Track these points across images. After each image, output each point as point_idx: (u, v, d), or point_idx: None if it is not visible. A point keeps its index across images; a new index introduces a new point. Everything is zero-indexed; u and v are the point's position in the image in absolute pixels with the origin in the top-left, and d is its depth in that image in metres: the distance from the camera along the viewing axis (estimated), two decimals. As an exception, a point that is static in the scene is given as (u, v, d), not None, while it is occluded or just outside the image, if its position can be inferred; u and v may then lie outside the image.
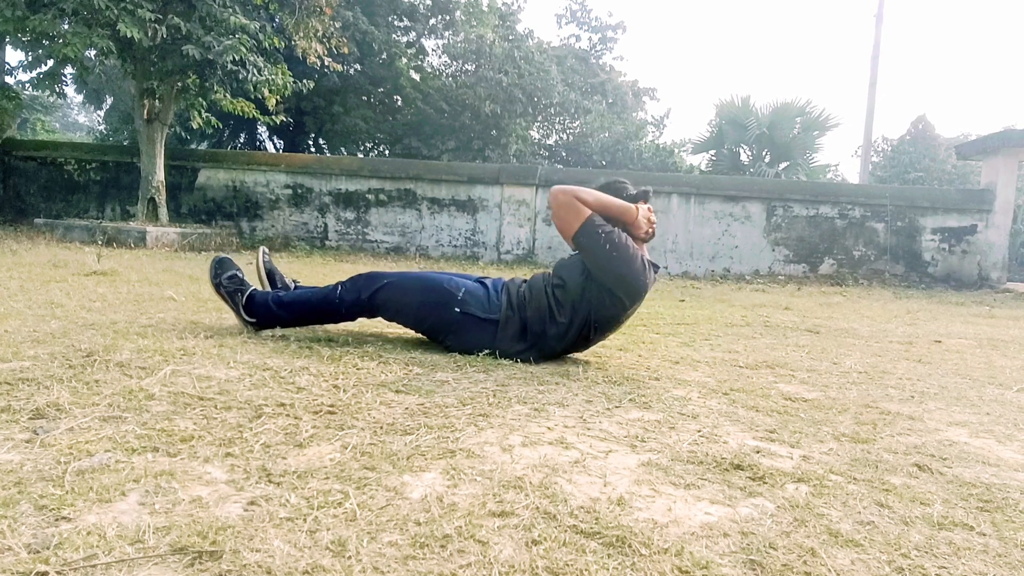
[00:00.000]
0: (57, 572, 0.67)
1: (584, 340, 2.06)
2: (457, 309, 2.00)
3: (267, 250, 2.43)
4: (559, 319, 1.98)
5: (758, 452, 1.26)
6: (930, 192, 9.42)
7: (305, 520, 0.83)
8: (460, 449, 1.15)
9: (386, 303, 2.06)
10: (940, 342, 3.14)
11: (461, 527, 0.84)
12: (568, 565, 0.77)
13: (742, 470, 1.14)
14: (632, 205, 2.06)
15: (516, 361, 1.95)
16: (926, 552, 0.87)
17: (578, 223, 1.97)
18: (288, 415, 1.28)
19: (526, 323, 1.99)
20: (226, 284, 2.14)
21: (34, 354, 1.61)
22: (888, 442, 1.39)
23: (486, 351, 1.98)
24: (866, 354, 2.67)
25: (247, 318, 2.12)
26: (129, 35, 6.65)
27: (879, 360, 2.53)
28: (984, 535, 0.93)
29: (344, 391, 1.48)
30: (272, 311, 2.10)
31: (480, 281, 2.13)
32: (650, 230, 2.10)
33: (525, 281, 2.11)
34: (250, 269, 2.37)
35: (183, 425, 1.17)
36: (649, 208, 2.11)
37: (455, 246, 9.21)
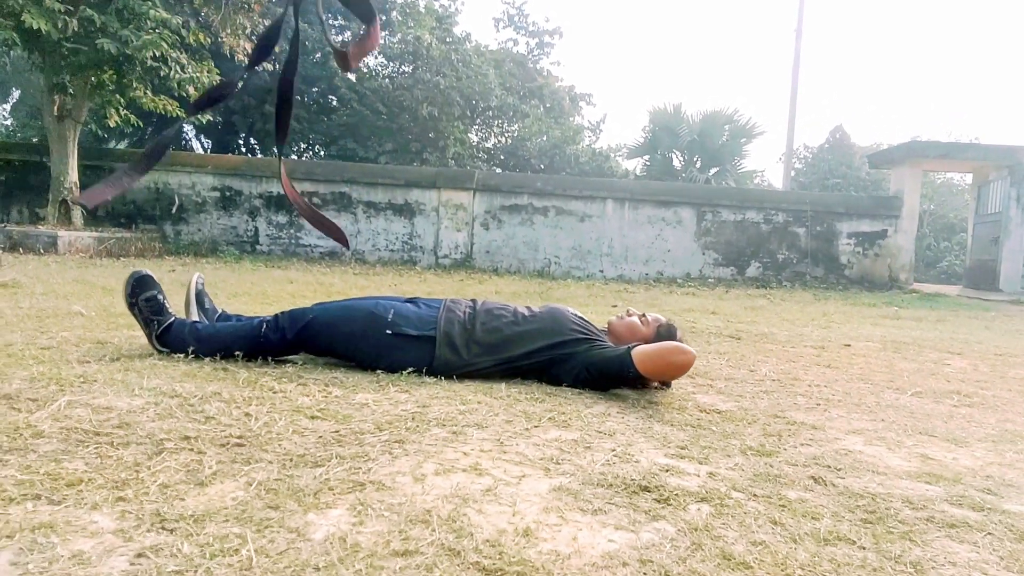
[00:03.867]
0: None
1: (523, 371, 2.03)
2: (388, 331, 1.96)
3: (202, 277, 2.31)
4: (514, 351, 1.97)
5: (667, 471, 1.30)
6: (846, 199, 10.00)
7: (196, 572, 0.80)
8: (371, 481, 1.14)
9: (314, 339, 2.01)
10: (849, 346, 3.34)
11: (361, 570, 0.83)
12: (466, 606, 0.77)
13: (649, 492, 1.17)
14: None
15: (441, 379, 1.93)
16: (810, 570, 0.92)
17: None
18: (192, 449, 1.23)
19: (469, 342, 1.97)
20: (143, 307, 2.01)
21: (-91, 387, 1.48)
22: (790, 453, 1.46)
23: (411, 369, 1.96)
24: (781, 360, 2.81)
25: (159, 347, 2.01)
26: (35, 26, 6.22)
27: (792, 366, 2.66)
28: (864, 549, 1.00)
29: (256, 419, 1.43)
30: (188, 346, 1.99)
31: (411, 301, 2.11)
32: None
33: (472, 306, 2.07)
34: (170, 278, 2.27)
35: (72, 467, 1.10)
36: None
37: (392, 251, 9.09)
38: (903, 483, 1.32)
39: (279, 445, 1.28)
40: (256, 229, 9.11)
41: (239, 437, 1.31)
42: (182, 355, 1.98)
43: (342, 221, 9.12)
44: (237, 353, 2.00)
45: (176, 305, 2.14)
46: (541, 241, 8.94)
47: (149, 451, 1.20)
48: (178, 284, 4.39)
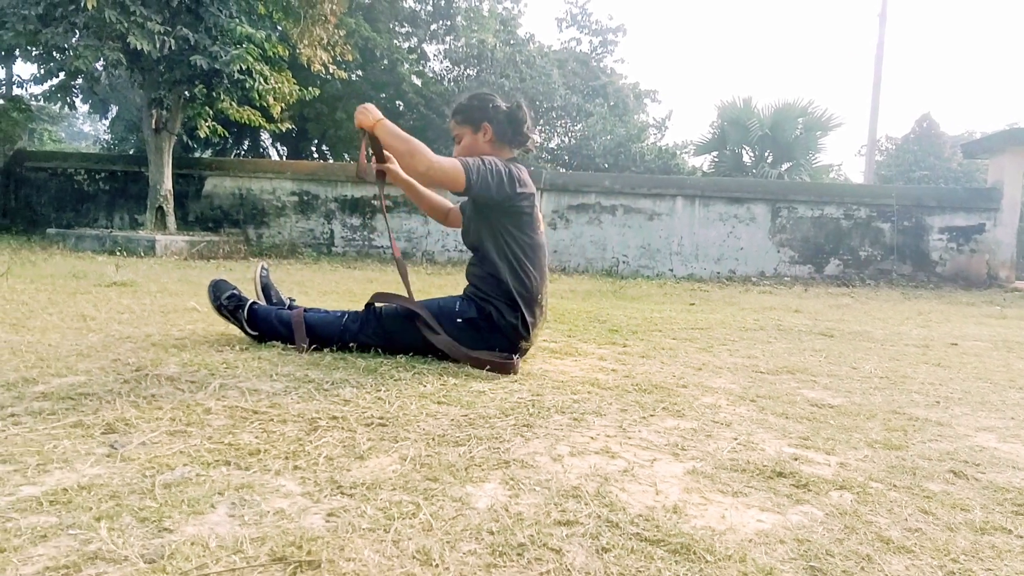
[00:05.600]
0: (169, 584, 0.72)
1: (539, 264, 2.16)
2: (459, 320, 2.10)
3: (266, 265, 2.52)
4: (507, 271, 2.09)
5: (796, 459, 1.30)
6: (937, 191, 9.46)
7: (387, 531, 0.88)
8: (513, 460, 1.20)
9: (394, 334, 2.13)
10: (956, 344, 3.19)
11: (533, 535, 0.89)
12: (640, 572, 0.82)
13: (784, 477, 1.18)
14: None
15: (526, 335, 2.08)
16: (973, 556, 0.91)
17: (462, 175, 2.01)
18: (343, 428, 1.33)
19: (506, 294, 2.09)
20: (226, 304, 2.23)
21: (86, 368, 1.66)
22: (921, 448, 1.43)
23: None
24: (883, 358, 2.71)
25: (251, 332, 2.19)
26: (139, 47, 6.72)
27: (898, 364, 2.57)
28: (1022, 538, 0.98)
29: (389, 403, 1.53)
30: (276, 329, 2.17)
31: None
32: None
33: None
34: (249, 279, 2.46)
35: (246, 439, 1.22)
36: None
37: (461, 251, 9.26)
38: (1050, 478, 1.27)
39: (418, 426, 1.37)
40: (332, 231, 9.47)
41: (381, 418, 1.40)
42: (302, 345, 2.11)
43: (412, 222, 9.37)
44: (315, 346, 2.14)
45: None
46: (609, 240, 8.90)
47: (306, 428, 1.31)
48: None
